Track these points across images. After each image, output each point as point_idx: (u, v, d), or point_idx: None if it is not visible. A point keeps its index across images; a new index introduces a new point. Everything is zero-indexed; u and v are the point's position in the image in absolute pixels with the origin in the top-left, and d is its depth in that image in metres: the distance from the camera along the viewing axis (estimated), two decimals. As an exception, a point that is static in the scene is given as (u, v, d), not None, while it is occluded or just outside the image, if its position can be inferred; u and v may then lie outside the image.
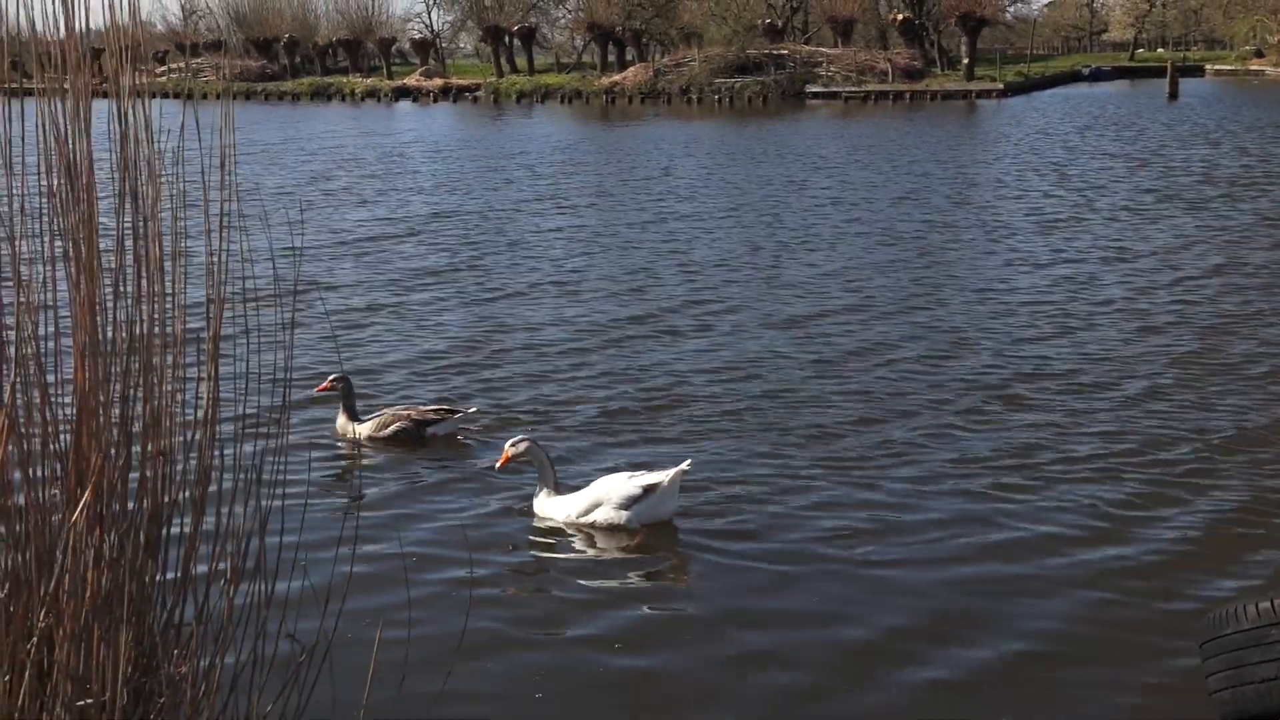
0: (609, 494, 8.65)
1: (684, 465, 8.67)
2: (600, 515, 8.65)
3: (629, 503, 8.59)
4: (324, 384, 10.71)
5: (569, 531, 8.68)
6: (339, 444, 10.64)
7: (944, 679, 6.73)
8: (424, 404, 11.08)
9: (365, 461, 10.26)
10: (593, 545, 8.51)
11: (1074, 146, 37.53)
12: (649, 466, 9.11)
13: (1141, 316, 14.90)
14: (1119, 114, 52.16)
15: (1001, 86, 68.25)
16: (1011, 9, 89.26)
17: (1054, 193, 26.80)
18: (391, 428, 10.54)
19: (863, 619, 7.41)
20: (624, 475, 8.79)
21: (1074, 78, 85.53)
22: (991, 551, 8.28)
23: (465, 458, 10.33)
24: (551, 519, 8.78)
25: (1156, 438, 10.42)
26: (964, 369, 12.67)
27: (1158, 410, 11.17)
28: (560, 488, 8.89)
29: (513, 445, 8.85)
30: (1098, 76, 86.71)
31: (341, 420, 10.73)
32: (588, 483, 8.95)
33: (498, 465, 9.04)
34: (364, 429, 10.61)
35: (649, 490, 8.58)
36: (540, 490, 8.87)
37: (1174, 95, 62.45)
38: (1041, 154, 35.37)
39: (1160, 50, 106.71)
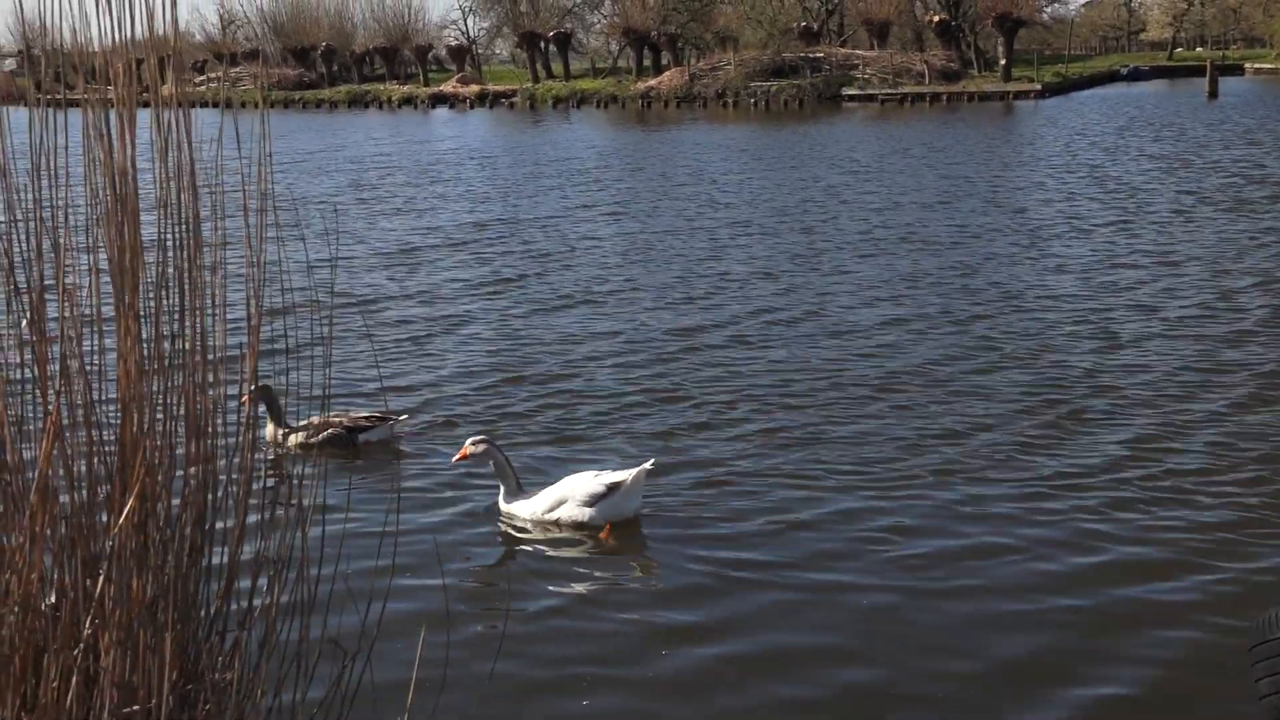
0: (573, 492, 8.85)
1: (647, 464, 8.87)
2: (564, 512, 8.84)
3: (593, 500, 8.79)
4: (244, 397, 10.08)
5: (611, 545, 8.66)
6: (273, 452, 10.29)
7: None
8: (356, 410, 11.02)
9: (402, 466, 10.26)
10: (627, 560, 8.44)
11: (1113, 148, 37.27)
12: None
13: (1191, 325, 14.48)
14: (1158, 114, 51.78)
15: (1039, 87, 67.95)
16: (1048, 9, 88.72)
17: (1094, 196, 26.58)
18: (324, 434, 10.46)
19: (905, 659, 7.09)
20: (589, 474, 8.99)
21: (1112, 78, 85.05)
22: (1048, 582, 7.82)
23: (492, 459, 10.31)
24: (517, 517, 8.98)
25: (1211, 454, 10.03)
26: (1005, 381, 12.40)
27: (1213, 425, 10.79)
28: (523, 487, 9.13)
29: (473, 444, 9.05)
30: (1136, 76, 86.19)
31: (270, 429, 10.49)
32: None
33: (454, 459, 9.25)
34: (296, 436, 10.42)
35: (612, 488, 8.78)
36: (502, 490, 9.10)
37: (1213, 94, 62.00)
38: (1080, 156, 35.13)
39: (1199, 49, 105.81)
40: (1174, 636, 7.13)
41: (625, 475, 8.81)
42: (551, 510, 8.88)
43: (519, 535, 8.82)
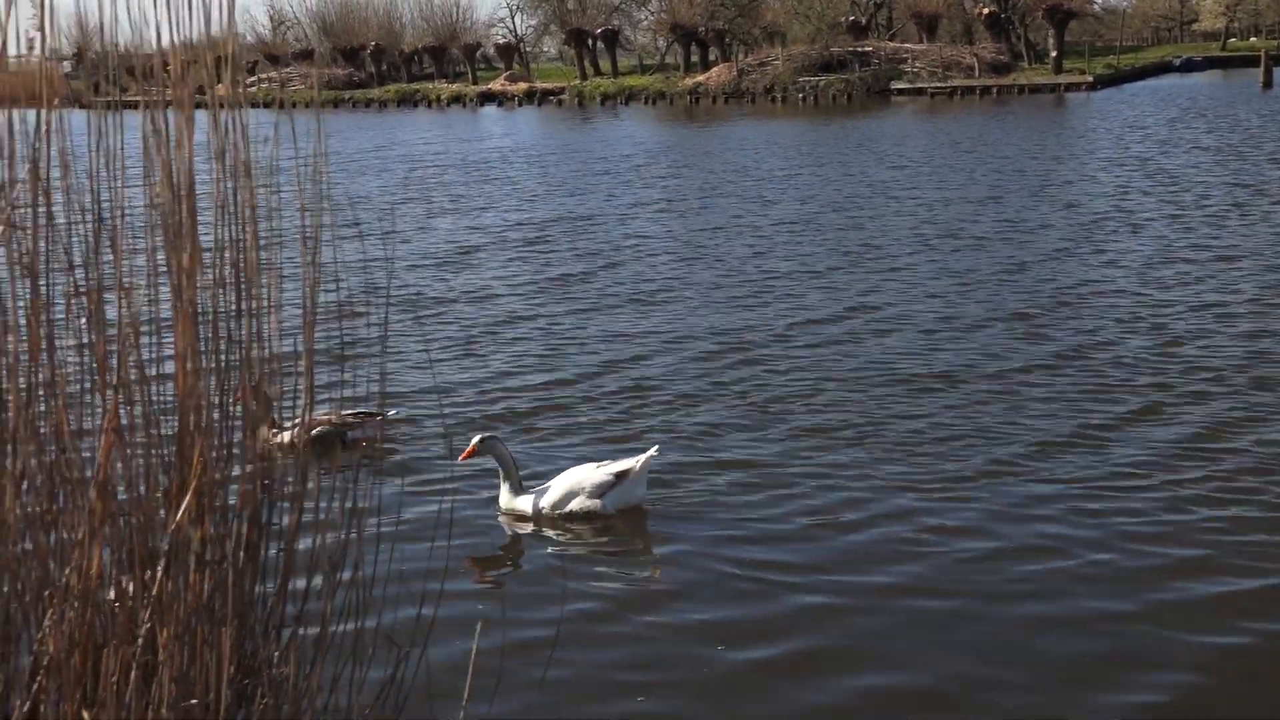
0: (581, 483, 8.95)
1: (652, 451, 9.06)
2: (576, 504, 8.95)
3: (602, 490, 8.91)
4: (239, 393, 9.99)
5: (660, 548, 8.65)
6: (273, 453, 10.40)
7: None
8: (344, 408, 11.04)
9: (456, 463, 10.30)
10: (676, 561, 8.40)
11: (1166, 140, 36.85)
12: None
13: (1247, 322, 14.24)
14: (1211, 105, 51.16)
15: (1091, 79, 67.31)
16: (1099, 0, 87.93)
17: (1147, 189, 26.26)
18: (313, 433, 10.43)
19: (949, 663, 7.09)
20: (591, 465, 9.12)
21: (1164, 69, 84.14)
22: (1097, 586, 7.71)
23: (539, 457, 10.33)
24: (521, 513, 9.02)
25: (1267, 454, 9.84)
26: (1055, 379, 12.24)
27: (1267, 424, 10.59)
28: (523, 484, 9.18)
29: (479, 442, 9.09)
30: (1189, 67, 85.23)
31: (263, 429, 10.51)
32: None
33: (460, 458, 9.27)
34: (285, 436, 10.44)
35: (621, 477, 8.91)
36: (504, 486, 9.13)
37: (1268, 84, 61.23)
38: (1132, 149, 34.75)
39: (1253, 39, 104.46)
40: (1226, 642, 7.02)
41: (632, 463, 8.95)
42: (561, 504, 8.94)
43: (562, 537, 8.83)
